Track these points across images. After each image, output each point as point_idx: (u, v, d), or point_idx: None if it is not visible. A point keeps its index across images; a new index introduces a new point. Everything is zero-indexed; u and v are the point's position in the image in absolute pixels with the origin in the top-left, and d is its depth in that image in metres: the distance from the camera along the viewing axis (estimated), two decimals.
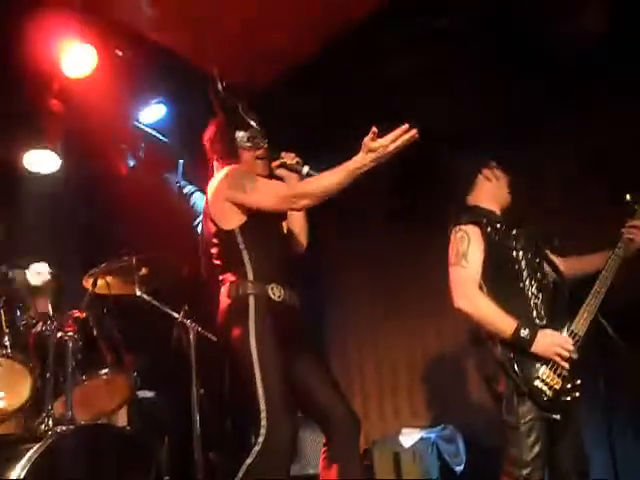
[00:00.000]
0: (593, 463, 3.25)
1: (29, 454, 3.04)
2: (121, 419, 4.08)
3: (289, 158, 3.24)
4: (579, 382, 3.02)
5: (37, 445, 3.09)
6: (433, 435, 4.87)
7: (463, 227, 3.21)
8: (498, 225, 3.23)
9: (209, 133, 3.31)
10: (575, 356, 3.00)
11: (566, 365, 2.98)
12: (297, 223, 3.35)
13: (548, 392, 2.97)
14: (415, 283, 5.52)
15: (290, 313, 3.07)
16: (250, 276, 3.03)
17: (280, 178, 3.25)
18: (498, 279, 3.14)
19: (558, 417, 2.97)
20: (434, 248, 4.86)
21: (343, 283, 5.91)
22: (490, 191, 3.35)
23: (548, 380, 2.97)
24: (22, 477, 2.97)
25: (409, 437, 4.93)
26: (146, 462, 3.44)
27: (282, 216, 3.28)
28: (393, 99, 4.57)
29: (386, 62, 4.50)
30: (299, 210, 3.19)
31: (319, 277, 5.76)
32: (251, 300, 2.99)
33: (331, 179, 2.91)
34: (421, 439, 4.87)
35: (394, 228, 5.45)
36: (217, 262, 3.13)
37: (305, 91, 4.72)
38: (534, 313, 3.10)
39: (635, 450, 4.27)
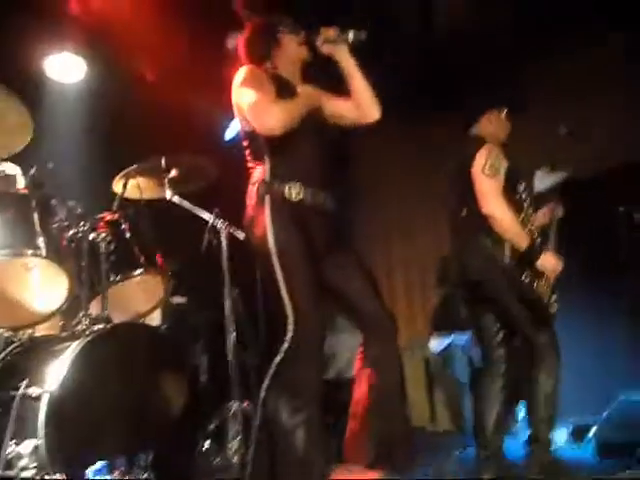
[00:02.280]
0: None
1: (68, 352, 3.09)
2: (155, 322, 4.11)
3: (329, 33, 3.12)
4: (555, 298, 3.62)
5: (75, 343, 3.13)
6: (463, 340, 4.90)
7: (493, 147, 3.60)
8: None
9: (244, 35, 3.23)
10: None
11: (551, 281, 3.58)
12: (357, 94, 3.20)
13: (545, 298, 3.56)
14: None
15: (314, 212, 3.01)
16: (267, 176, 3.00)
17: (329, 57, 3.15)
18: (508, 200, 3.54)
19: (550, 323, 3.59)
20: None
21: (371, 181, 5.83)
22: (490, 130, 3.78)
23: (543, 289, 3.57)
24: (62, 375, 3.02)
25: (439, 342, 4.97)
26: (183, 362, 3.49)
27: (318, 112, 3.15)
28: None
29: None
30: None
31: (346, 178, 5.68)
32: (267, 201, 2.96)
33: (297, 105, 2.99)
34: (451, 344, 4.91)
35: (427, 128, 5.36)
36: (249, 163, 3.09)
37: None
38: (534, 235, 3.64)
39: None
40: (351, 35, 3.09)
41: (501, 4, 4.78)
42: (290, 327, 2.85)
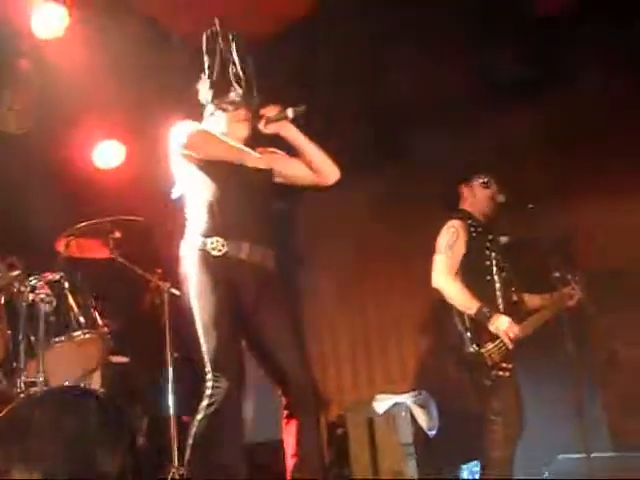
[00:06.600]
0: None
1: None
2: (94, 384, 4.04)
3: (271, 112, 3.18)
4: (511, 366, 3.69)
5: (7, 407, 3.05)
6: (407, 400, 4.91)
7: (455, 222, 3.86)
8: (479, 228, 3.88)
9: None
10: (511, 347, 3.67)
11: (510, 345, 3.64)
12: (307, 160, 3.27)
13: (489, 362, 3.66)
14: (388, 251, 5.54)
15: (241, 267, 3.01)
16: (192, 231, 3.06)
17: (273, 136, 3.22)
18: (472, 269, 3.80)
19: (489, 383, 3.68)
20: (407, 215, 4.90)
21: (315, 248, 5.88)
22: (469, 201, 3.99)
23: (491, 353, 3.66)
24: None
25: (383, 403, 4.97)
26: (120, 425, 3.42)
27: (252, 171, 3.19)
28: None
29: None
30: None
31: (291, 240, 5.73)
32: (189, 256, 3.02)
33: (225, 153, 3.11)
34: (395, 404, 4.91)
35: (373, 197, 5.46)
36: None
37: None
38: (499, 301, 3.79)
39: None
40: (290, 112, 3.13)
41: None
42: (208, 383, 2.86)
